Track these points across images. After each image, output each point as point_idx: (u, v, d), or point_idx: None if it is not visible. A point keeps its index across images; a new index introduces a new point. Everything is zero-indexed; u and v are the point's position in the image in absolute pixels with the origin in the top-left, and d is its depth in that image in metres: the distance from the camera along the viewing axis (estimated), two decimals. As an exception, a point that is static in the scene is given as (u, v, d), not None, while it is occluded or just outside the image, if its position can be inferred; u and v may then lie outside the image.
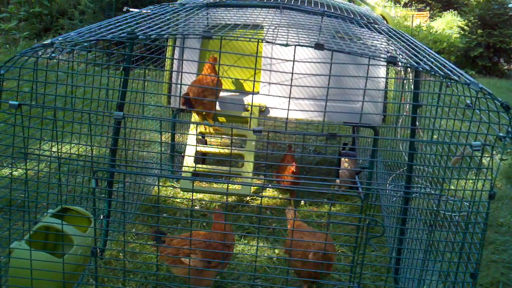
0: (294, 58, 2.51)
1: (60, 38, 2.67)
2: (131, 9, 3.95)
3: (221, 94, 5.02)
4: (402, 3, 24.25)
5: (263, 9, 3.71)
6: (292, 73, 2.54)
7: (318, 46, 2.41)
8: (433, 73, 2.47)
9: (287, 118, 2.85)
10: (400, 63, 2.56)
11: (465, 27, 15.49)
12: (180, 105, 4.75)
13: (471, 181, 3.11)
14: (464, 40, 15.05)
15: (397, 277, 3.68)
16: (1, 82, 2.56)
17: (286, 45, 2.48)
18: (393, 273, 3.76)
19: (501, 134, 2.36)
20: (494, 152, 2.45)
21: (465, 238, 2.63)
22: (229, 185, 5.16)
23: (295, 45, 2.48)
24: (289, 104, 2.54)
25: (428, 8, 24.16)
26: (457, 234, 2.81)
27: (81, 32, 2.85)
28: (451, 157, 2.94)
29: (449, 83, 2.56)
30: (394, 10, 22.00)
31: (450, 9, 22.27)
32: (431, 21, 21.06)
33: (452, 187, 3.13)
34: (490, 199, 2.48)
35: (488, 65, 14.64)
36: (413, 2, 24.59)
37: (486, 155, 2.55)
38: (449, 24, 19.25)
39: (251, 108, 4.83)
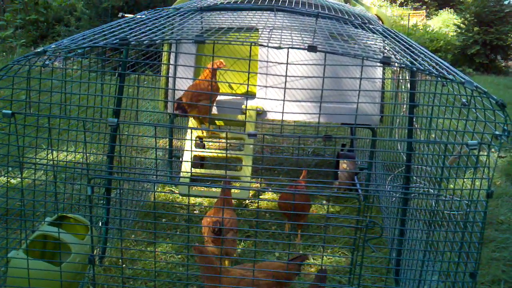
0: (287, 61, 2.50)
1: (53, 46, 2.66)
2: (125, 15, 3.95)
3: (218, 97, 5.01)
4: (398, 2, 24.25)
5: (257, 11, 3.70)
6: (286, 76, 2.53)
7: (311, 48, 2.40)
8: (427, 72, 2.46)
9: (282, 121, 2.84)
10: (394, 63, 2.55)
11: (462, 25, 15.48)
12: (173, 110, 4.74)
13: (469, 180, 3.10)
14: (461, 38, 15.03)
15: (398, 278, 3.66)
16: (-5, 91, 2.55)
17: (279, 47, 2.47)
18: (393, 274, 3.75)
19: (497, 132, 2.35)
20: (491, 150, 2.44)
21: (463, 237, 2.62)
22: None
23: (288, 48, 2.47)
24: (283, 106, 2.53)
25: (424, 7, 24.17)
26: (456, 234, 2.80)
27: (74, 39, 2.84)
28: (448, 157, 2.93)
29: (444, 82, 2.55)
30: (390, 10, 22.00)
31: (446, 7, 22.28)
32: (428, 19, 21.07)
33: (451, 186, 3.12)
34: (488, 198, 2.47)
35: (485, 63, 14.62)
36: (409, 1, 24.61)
37: (483, 154, 2.54)
38: (445, 22, 19.24)
39: (246, 111, 4.81)
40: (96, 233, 3.63)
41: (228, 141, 5.63)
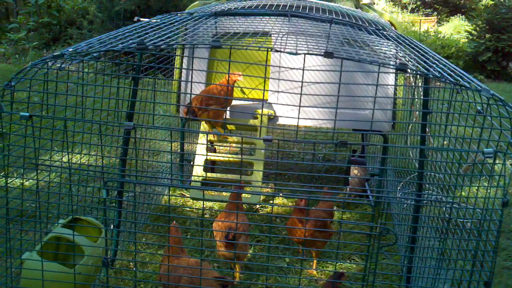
0: (304, 67, 2.50)
1: (70, 49, 2.68)
2: (141, 19, 3.97)
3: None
4: (409, 8, 24.19)
5: (271, 17, 3.71)
6: (302, 82, 2.53)
7: (328, 55, 2.40)
8: (443, 79, 2.45)
9: (297, 126, 2.84)
10: (409, 70, 2.54)
11: (473, 31, 15.40)
12: (183, 114, 4.77)
13: (483, 188, 3.08)
14: (472, 45, 14.95)
15: (409, 286, 3.64)
16: (12, 93, 2.57)
17: (296, 53, 2.47)
18: (405, 282, 3.73)
19: (513, 140, 2.34)
20: (506, 159, 2.43)
21: (478, 245, 2.60)
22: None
23: (305, 54, 2.47)
24: (299, 112, 2.53)
25: (435, 13, 24.07)
26: (469, 242, 2.79)
27: (91, 42, 2.86)
28: (462, 164, 2.91)
29: (459, 89, 2.54)
30: (401, 16, 21.94)
31: (458, 14, 22.16)
32: (439, 26, 20.99)
33: (464, 194, 3.10)
34: (503, 207, 2.45)
35: (497, 70, 14.52)
36: (420, 7, 24.52)
37: (498, 162, 2.52)
38: (456, 28, 19.15)
39: (261, 116, 4.81)
40: (108, 236, 3.64)
41: (239, 145, 5.63)
